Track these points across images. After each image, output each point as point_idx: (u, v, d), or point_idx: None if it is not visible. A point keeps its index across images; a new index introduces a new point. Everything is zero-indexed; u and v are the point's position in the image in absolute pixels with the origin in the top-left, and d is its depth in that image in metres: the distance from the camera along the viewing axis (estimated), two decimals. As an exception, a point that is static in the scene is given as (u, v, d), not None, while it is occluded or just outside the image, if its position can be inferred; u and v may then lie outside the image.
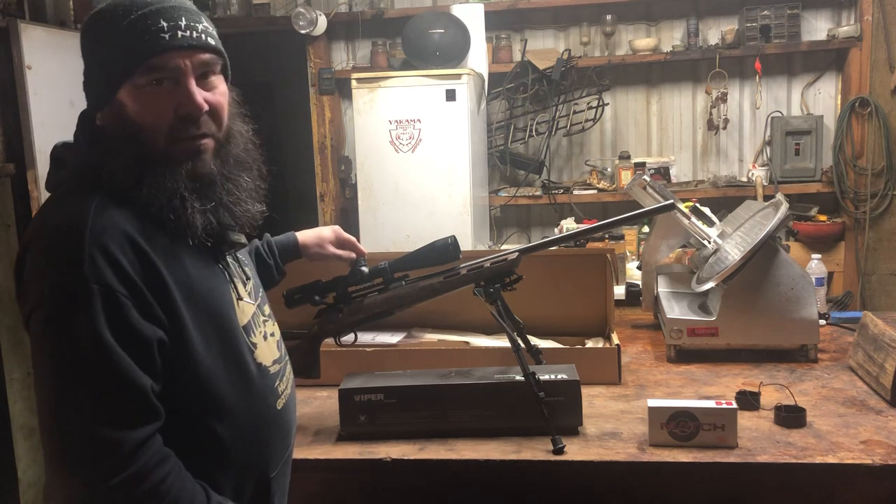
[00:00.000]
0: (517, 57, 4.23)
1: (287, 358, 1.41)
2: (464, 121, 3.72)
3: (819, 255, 2.65)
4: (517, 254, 1.72)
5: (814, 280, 2.29)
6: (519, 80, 4.14)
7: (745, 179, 4.18)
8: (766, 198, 3.74)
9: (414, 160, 3.78)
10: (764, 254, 2.08)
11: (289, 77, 5.64)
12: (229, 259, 1.29)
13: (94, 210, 1.09)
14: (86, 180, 1.14)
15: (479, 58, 4.03)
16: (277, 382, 1.31)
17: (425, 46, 3.91)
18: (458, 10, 4.01)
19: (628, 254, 3.69)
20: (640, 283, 2.64)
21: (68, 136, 1.24)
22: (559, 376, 1.70)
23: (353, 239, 1.79)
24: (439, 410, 1.71)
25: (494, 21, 4.24)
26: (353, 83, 3.82)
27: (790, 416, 1.71)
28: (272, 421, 1.28)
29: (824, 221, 4.04)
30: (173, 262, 1.14)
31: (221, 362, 1.19)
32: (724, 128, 4.15)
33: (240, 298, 1.27)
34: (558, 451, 1.61)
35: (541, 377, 1.66)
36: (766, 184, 4.00)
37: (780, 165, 4.06)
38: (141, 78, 1.13)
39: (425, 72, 3.80)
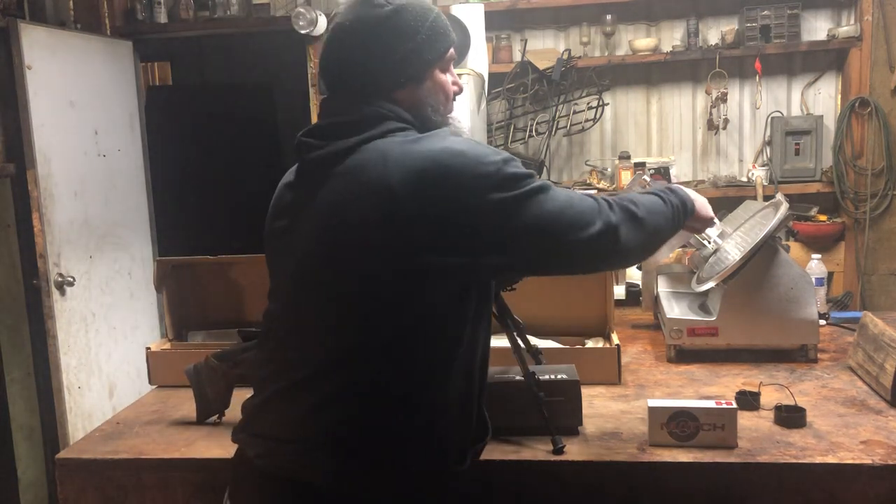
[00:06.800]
0: (517, 57, 4.23)
1: None
2: (464, 121, 3.67)
3: (819, 255, 2.65)
4: (517, 254, 1.72)
5: (814, 280, 2.29)
6: (519, 80, 4.13)
7: (745, 179, 4.17)
8: (766, 198, 3.73)
9: (414, 160, 3.76)
10: (764, 254, 2.08)
11: (289, 77, 5.63)
12: None
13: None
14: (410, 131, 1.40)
15: (479, 58, 4.02)
16: None
17: (425, 46, 3.90)
18: (458, 10, 4.00)
19: (628, 254, 3.68)
20: (640, 283, 2.64)
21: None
22: (559, 376, 1.70)
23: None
24: (439, 410, 1.70)
25: (494, 21, 4.24)
26: (353, 83, 3.80)
27: (790, 416, 1.71)
28: None
29: (824, 221, 4.03)
30: None
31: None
32: (724, 128, 4.15)
33: None
34: (558, 451, 1.61)
35: (541, 377, 1.66)
36: (766, 184, 4.00)
37: (780, 165, 4.06)
38: (442, 65, 1.44)
39: (425, 72, 3.79)
